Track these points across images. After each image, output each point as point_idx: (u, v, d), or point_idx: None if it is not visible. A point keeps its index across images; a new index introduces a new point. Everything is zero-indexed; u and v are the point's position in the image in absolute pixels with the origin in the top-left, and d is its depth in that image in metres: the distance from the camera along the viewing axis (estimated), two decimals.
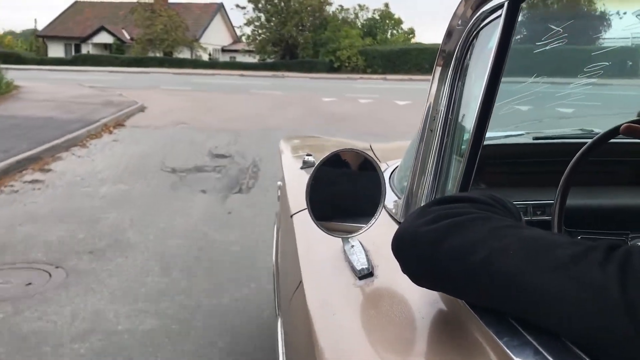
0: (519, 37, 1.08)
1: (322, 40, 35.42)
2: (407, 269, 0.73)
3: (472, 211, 0.68)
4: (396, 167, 1.39)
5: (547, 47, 1.03)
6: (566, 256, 0.53)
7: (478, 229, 0.63)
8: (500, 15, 0.83)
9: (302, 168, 2.03)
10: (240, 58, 40.01)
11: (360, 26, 37.79)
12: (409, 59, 32.93)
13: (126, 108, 11.86)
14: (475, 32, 0.92)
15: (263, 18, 37.34)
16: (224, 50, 44.19)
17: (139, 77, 26.23)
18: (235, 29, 43.31)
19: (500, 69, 0.82)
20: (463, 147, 0.91)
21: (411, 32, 38.66)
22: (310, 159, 2.01)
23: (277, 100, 15.71)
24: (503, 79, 0.85)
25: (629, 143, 1.39)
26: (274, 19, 36.58)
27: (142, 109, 12.65)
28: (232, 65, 36.54)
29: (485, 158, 0.90)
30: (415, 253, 0.69)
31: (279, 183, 2.38)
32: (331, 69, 34.30)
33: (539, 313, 0.54)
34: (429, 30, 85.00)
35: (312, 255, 1.20)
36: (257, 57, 38.59)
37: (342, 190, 1.09)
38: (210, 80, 25.39)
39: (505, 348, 0.55)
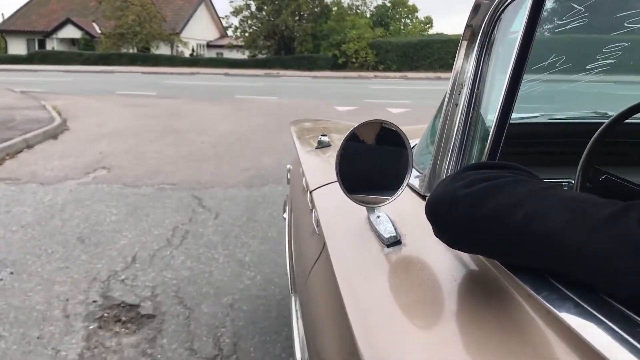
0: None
1: (324, 31, 30.67)
2: (442, 232, 0.73)
3: (509, 175, 0.69)
4: (414, 146, 1.30)
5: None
6: (606, 214, 0.54)
7: (516, 191, 0.64)
8: None
9: (317, 148, 2.04)
10: (229, 54, 35.43)
11: (369, 15, 33.18)
12: (429, 53, 28.38)
13: (23, 134, 7.29)
14: (503, 7, 0.92)
15: (253, 6, 32.66)
16: (209, 45, 40.01)
17: (98, 78, 21.77)
18: (222, 20, 38.71)
19: (529, 44, 0.84)
20: (489, 121, 0.92)
21: (428, 21, 34.02)
22: (325, 139, 2.04)
23: (272, 112, 11.19)
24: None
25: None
26: (266, 7, 31.86)
27: (55, 133, 8.08)
28: (217, 62, 31.95)
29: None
30: (452, 216, 0.69)
31: (289, 166, 2.58)
32: (335, 65, 29.69)
33: (580, 271, 0.55)
34: (446, 19, 80.00)
35: (336, 227, 1.20)
36: (247, 52, 33.92)
37: (369, 162, 1.08)
38: (186, 81, 20.88)
39: (545, 302, 0.56)
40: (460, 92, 1.01)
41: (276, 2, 31.36)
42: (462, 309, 0.72)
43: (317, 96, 15.06)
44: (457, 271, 0.78)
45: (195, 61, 32.48)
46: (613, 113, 1.18)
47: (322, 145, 2.02)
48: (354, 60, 29.33)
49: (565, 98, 1.97)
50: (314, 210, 1.40)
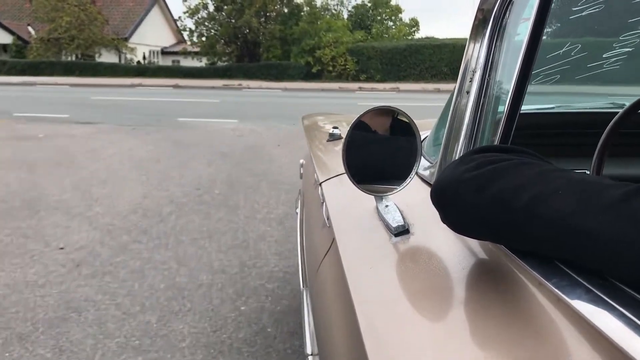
0: None
1: (294, 35, 26.81)
2: (448, 218, 0.73)
3: (516, 158, 0.68)
4: (425, 137, 1.36)
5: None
6: (617, 195, 0.53)
7: (524, 173, 0.63)
8: None
9: (328, 141, 2.06)
10: (188, 62, 31.32)
11: (346, 16, 29.46)
12: (419, 60, 24.72)
13: None
14: None
15: (211, 6, 28.69)
16: (164, 52, 35.94)
17: (9, 92, 17.64)
18: (177, 22, 34.59)
19: (542, 28, 0.84)
20: (500, 108, 0.93)
21: (414, 24, 30.43)
22: (337, 131, 2.06)
23: (226, 150, 7.36)
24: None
25: None
26: (226, 7, 27.89)
27: None
28: (169, 72, 27.84)
29: (515, 127, 0.90)
30: (459, 200, 0.69)
31: (302, 161, 2.62)
32: (308, 75, 25.85)
33: (589, 254, 0.54)
34: (431, 23, 76.88)
35: (345, 217, 1.22)
36: (204, 60, 29.91)
37: (377, 150, 1.09)
38: (123, 96, 16.86)
39: (555, 289, 0.56)
40: (471, 79, 1.00)
41: (237, 1, 27.39)
42: (470, 298, 0.71)
43: (291, 117, 11.31)
44: (465, 259, 0.78)
45: (142, 70, 28.31)
46: (628, 103, 1.15)
47: (333, 138, 2.03)
48: (330, 68, 25.42)
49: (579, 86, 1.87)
50: (324, 202, 1.40)
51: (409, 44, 25.51)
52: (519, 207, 0.60)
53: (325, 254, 1.16)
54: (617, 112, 1.14)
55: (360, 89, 21.29)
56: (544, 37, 0.85)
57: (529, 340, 0.55)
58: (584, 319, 0.50)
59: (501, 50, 0.96)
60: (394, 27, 29.69)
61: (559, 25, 1.32)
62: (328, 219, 1.26)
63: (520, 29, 0.89)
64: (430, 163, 1.17)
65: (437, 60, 24.40)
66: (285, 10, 28.33)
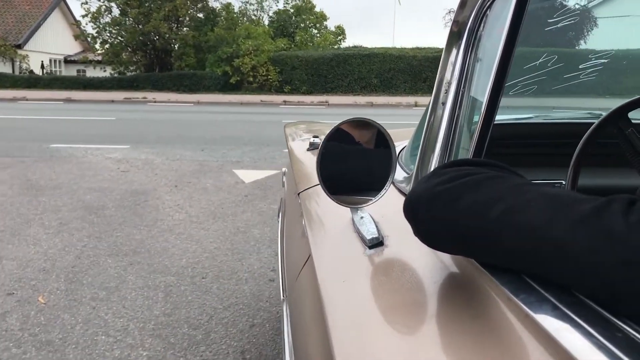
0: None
1: (210, 41, 24.39)
2: (420, 231, 0.73)
3: (489, 171, 0.69)
4: (403, 148, 1.39)
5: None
6: (588, 209, 0.54)
7: (497, 186, 0.64)
8: None
9: (309, 150, 2.06)
10: (95, 72, 28.12)
11: (267, 22, 27.33)
12: (347, 71, 23.00)
13: None
14: (489, 3, 0.93)
15: (116, 10, 25.75)
16: (68, 60, 32.46)
17: None
18: (80, 27, 31.27)
19: (515, 40, 0.85)
20: (475, 119, 0.93)
21: (340, 32, 28.75)
22: (317, 140, 2.05)
23: (97, 201, 5.05)
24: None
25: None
26: (131, 10, 25.02)
27: None
28: (66, 83, 24.65)
29: (492, 137, 0.91)
30: (431, 213, 0.69)
31: (284, 169, 2.60)
32: (226, 86, 23.51)
33: (559, 266, 0.55)
34: (358, 30, 75.80)
35: (321, 228, 1.22)
36: (109, 69, 26.85)
37: (352, 161, 1.10)
38: None
39: (523, 305, 0.57)
40: (446, 90, 1.01)
41: (145, 4, 24.62)
42: (440, 312, 0.71)
43: (200, 140, 9.12)
44: (438, 273, 0.79)
45: (34, 81, 24.99)
46: (604, 113, 1.18)
47: (313, 147, 2.03)
48: (251, 79, 23.14)
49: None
50: (302, 212, 1.41)
51: (336, 54, 23.69)
52: (491, 219, 0.60)
53: (304, 264, 1.13)
54: (593, 123, 1.16)
55: (285, 102, 19.23)
56: (521, 49, 0.83)
57: (497, 357, 0.55)
58: (550, 336, 0.50)
59: (476, 61, 0.96)
60: (318, 35, 27.94)
61: (535, 36, 1.30)
62: (306, 228, 1.26)
63: (494, 41, 0.88)
64: (408, 174, 1.16)
65: (367, 71, 22.80)
66: (200, 15, 25.87)
